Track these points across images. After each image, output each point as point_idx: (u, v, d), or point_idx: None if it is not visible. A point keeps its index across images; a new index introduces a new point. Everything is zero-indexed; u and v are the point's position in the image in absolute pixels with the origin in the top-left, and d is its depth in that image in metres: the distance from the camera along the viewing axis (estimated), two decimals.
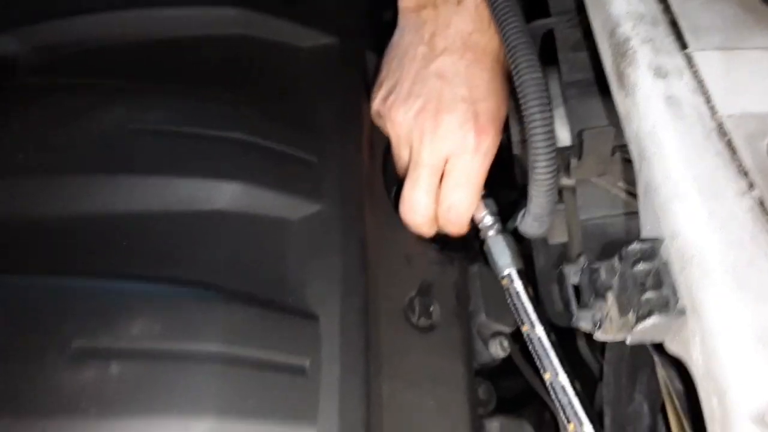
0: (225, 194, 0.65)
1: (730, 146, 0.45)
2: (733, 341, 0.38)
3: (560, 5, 0.81)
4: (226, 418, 0.54)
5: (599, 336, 0.46)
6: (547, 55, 0.84)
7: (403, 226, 0.76)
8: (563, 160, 0.75)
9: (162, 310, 0.57)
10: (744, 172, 0.44)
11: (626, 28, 0.52)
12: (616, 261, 0.46)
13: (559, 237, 0.81)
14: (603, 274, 0.46)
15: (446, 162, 0.73)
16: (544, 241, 0.85)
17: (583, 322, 0.46)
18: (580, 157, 0.71)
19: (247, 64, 0.77)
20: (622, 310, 0.45)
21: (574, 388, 0.65)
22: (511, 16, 0.68)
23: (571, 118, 0.84)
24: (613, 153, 0.72)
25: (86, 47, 0.74)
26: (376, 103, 0.78)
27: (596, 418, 0.64)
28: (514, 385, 0.98)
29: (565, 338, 0.73)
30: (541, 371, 0.67)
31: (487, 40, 0.74)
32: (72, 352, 0.54)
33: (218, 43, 0.77)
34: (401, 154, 0.77)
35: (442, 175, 0.74)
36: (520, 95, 0.68)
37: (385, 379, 0.65)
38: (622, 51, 0.51)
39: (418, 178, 0.74)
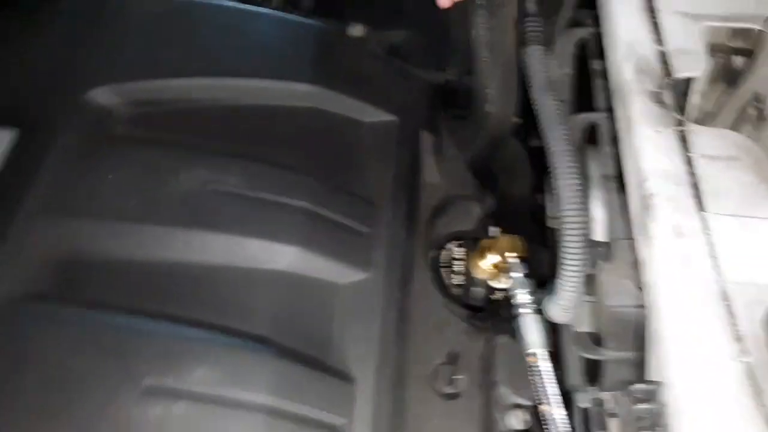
0: (285, 256, 0.74)
1: (730, 311, 0.51)
2: None
3: (603, 102, 0.88)
4: None
5: None
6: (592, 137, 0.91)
7: (437, 295, 0.83)
8: (594, 255, 0.81)
9: (222, 358, 0.66)
10: (738, 338, 0.50)
11: (652, 183, 0.58)
12: (621, 395, 0.52)
13: (584, 326, 0.86)
14: (609, 405, 0.52)
15: None
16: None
17: None
18: (608, 261, 0.77)
19: (315, 134, 0.87)
20: None
21: None
22: (554, 120, 0.74)
23: (608, 209, 0.89)
24: None
25: (176, 107, 0.84)
26: None
27: None
28: None
29: None
30: None
31: None
32: (143, 389, 0.62)
33: (292, 113, 0.86)
34: None
35: None
36: (556, 195, 0.74)
37: None
38: (646, 204, 0.57)
39: None
